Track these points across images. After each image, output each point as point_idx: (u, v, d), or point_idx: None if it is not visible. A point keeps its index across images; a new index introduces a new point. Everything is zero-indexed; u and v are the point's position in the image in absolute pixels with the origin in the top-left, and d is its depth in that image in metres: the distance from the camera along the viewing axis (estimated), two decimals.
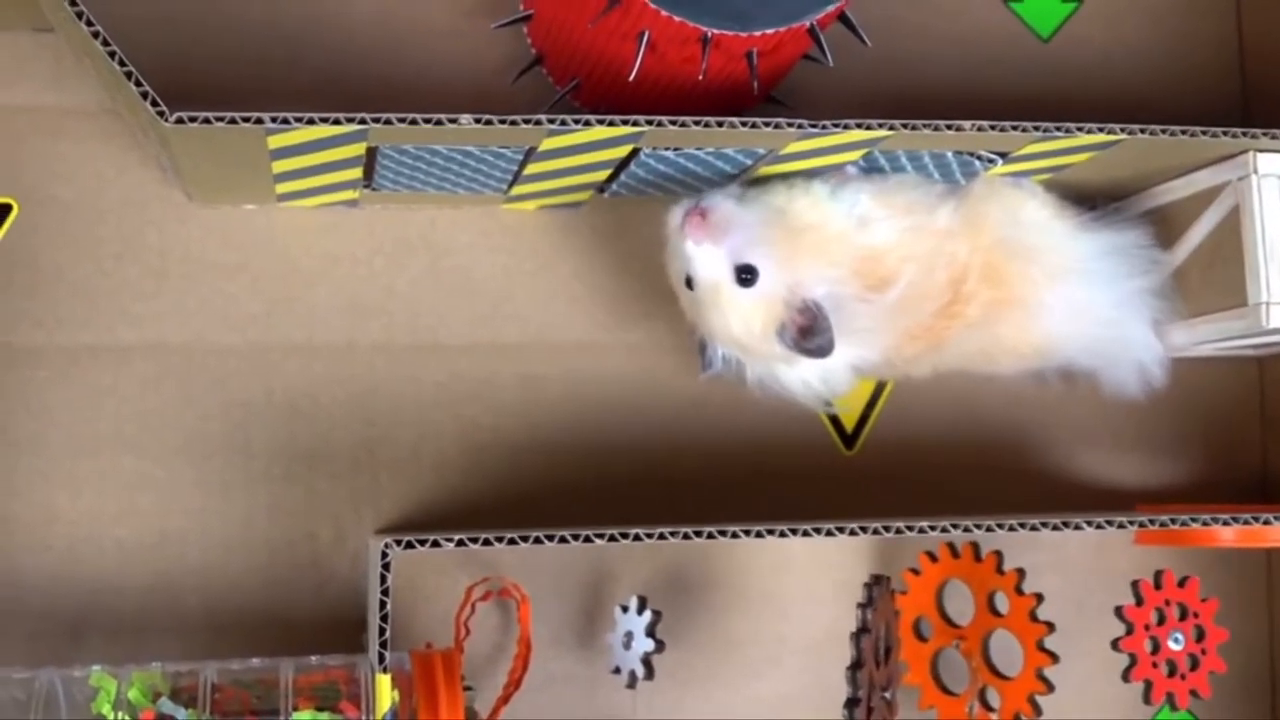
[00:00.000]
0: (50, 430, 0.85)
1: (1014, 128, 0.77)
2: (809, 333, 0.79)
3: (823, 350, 0.79)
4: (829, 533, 0.76)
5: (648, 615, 0.82)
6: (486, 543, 0.72)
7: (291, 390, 0.87)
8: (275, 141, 0.74)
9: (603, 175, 0.83)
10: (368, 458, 0.88)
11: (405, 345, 0.89)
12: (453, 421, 0.89)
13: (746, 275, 0.79)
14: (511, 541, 0.73)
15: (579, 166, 0.81)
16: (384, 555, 0.72)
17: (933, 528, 0.77)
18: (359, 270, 0.89)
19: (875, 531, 0.76)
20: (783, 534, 0.76)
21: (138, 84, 0.70)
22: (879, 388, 0.94)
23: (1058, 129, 0.78)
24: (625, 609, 0.84)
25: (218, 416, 0.87)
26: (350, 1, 0.90)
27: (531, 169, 0.81)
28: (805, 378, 0.83)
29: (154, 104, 0.70)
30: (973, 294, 0.82)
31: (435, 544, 0.72)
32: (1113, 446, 0.95)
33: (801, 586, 0.92)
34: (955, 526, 0.78)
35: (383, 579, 0.71)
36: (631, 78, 0.78)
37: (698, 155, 0.79)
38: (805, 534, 0.76)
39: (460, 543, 0.72)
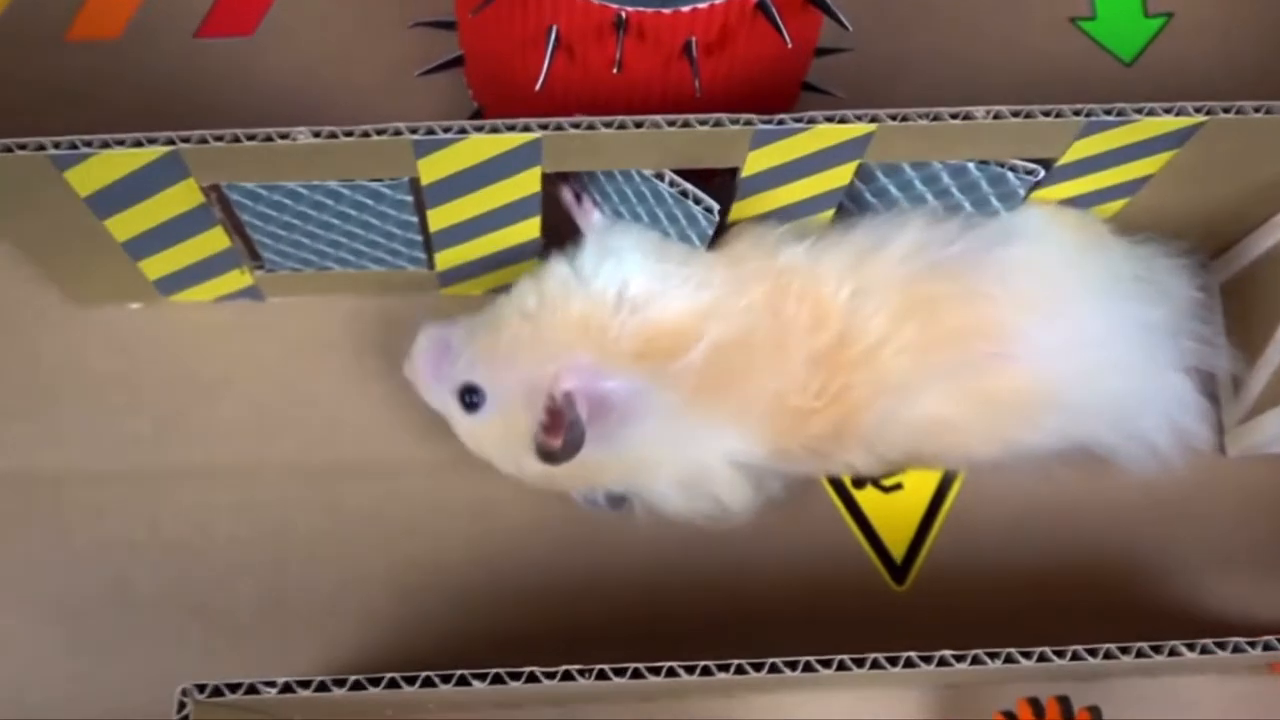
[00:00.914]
0: None
1: (1045, 112, 0.58)
2: (552, 432, 0.62)
3: (573, 445, 0.61)
4: (875, 664, 0.56)
5: None
6: (321, 688, 0.53)
7: (183, 524, 0.71)
8: (81, 185, 0.59)
9: (530, 229, 0.66)
10: (275, 609, 0.70)
11: (324, 466, 0.72)
12: (383, 560, 0.71)
13: (470, 398, 0.65)
14: (353, 686, 0.53)
15: (492, 215, 0.64)
16: (181, 706, 0.53)
17: (1024, 655, 0.57)
18: (268, 377, 0.72)
19: (942, 662, 0.56)
20: (809, 668, 0.56)
21: None
22: (931, 507, 0.72)
23: (1107, 111, 0.58)
24: None
25: (93, 560, 0.70)
26: (264, 58, 0.76)
27: (439, 221, 0.64)
28: (672, 491, 0.65)
29: None
30: (885, 338, 0.63)
31: (252, 689, 0.53)
32: (1242, 567, 0.72)
33: None
34: (1053, 655, 0.58)
35: None
36: (538, 86, 0.61)
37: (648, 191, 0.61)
38: (845, 666, 0.56)
39: (286, 688, 0.53)
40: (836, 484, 0.72)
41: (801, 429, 0.64)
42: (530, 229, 0.66)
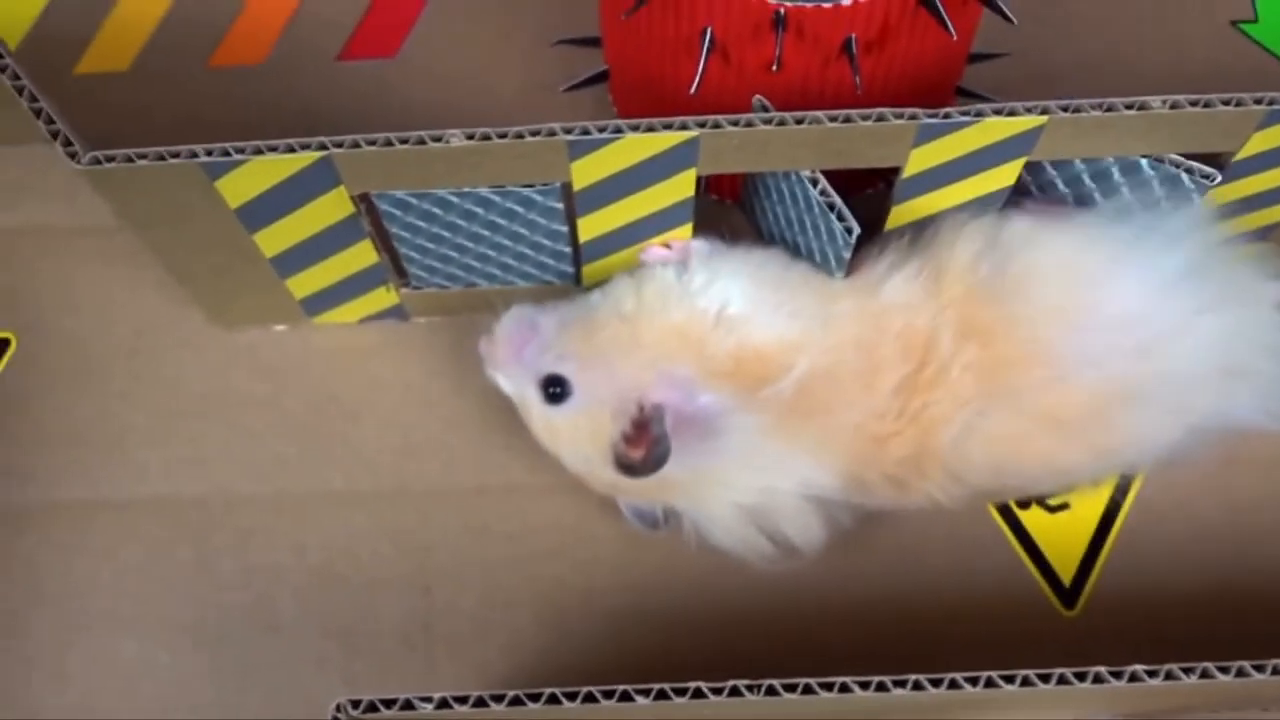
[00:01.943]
0: (36, 607, 0.69)
1: (1225, 101, 0.55)
2: (636, 443, 0.60)
3: (656, 461, 0.59)
4: (1061, 679, 0.53)
5: None
6: (479, 704, 0.51)
7: (329, 549, 0.69)
8: (231, 194, 0.58)
9: (682, 237, 0.64)
10: (421, 633, 0.68)
11: (469, 489, 0.70)
12: (529, 584, 0.69)
13: (554, 389, 0.63)
14: (513, 702, 0.51)
15: (644, 222, 0.62)
16: None
17: (1222, 670, 0.53)
18: (412, 399, 0.71)
19: (1133, 678, 0.53)
20: (990, 683, 0.53)
21: (49, 122, 0.57)
22: (1101, 528, 0.69)
23: None
24: None
25: (237, 585, 0.69)
26: (407, 79, 0.75)
27: (589, 230, 0.63)
28: (734, 519, 0.62)
29: (66, 144, 0.56)
30: (953, 355, 0.60)
31: (408, 705, 0.52)
32: None
33: None
34: (1252, 670, 0.53)
35: None
36: (694, 90, 0.59)
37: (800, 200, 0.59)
38: (1030, 682, 0.53)
39: (443, 703, 0.52)
40: (1001, 506, 0.69)
41: (881, 455, 0.62)
42: (681, 236, 0.64)
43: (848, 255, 0.60)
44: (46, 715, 0.67)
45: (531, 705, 0.51)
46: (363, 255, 0.65)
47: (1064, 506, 0.70)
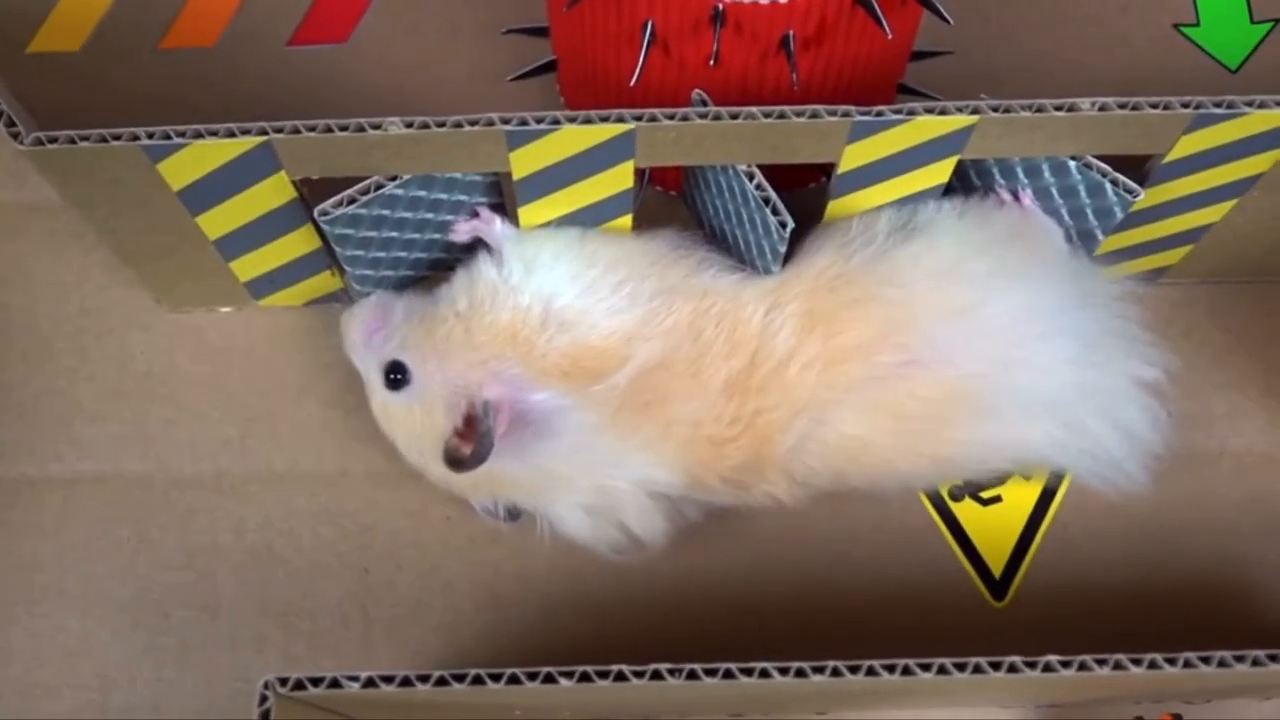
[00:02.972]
0: None
1: (1153, 105, 0.56)
2: (466, 439, 0.61)
3: (458, 457, 0.60)
4: (977, 669, 0.54)
5: None
6: (405, 683, 0.52)
7: (268, 529, 0.70)
8: (173, 177, 0.58)
9: (621, 227, 0.65)
10: (359, 615, 0.69)
11: (410, 473, 0.69)
12: (468, 568, 0.70)
13: (395, 376, 0.64)
14: (438, 682, 0.52)
15: (584, 212, 0.63)
16: (263, 699, 0.52)
17: (1134, 661, 0.54)
18: (356, 382, 0.71)
19: (1048, 668, 0.54)
20: (907, 671, 0.54)
21: None
22: (1031, 521, 0.70)
23: (1216, 104, 0.56)
24: None
25: (178, 564, 0.70)
26: (357, 65, 0.76)
27: (529, 219, 0.63)
28: (578, 513, 0.64)
29: (9, 124, 0.56)
30: (791, 353, 0.61)
31: (335, 684, 0.52)
32: None
33: None
34: (1164, 663, 0.54)
35: None
36: (633, 81, 0.60)
37: None
38: (946, 670, 0.54)
39: (370, 683, 0.52)
40: (933, 496, 0.71)
41: (719, 459, 0.63)
42: (621, 227, 0.65)
43: (783, 249, 0.60)
44: None
45: (457, 685, 0.52)
46: (306, 240, 0.65)
47: (996, 499, 0.71)
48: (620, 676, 0.53)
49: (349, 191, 0.60)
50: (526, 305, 0.62)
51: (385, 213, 0.61)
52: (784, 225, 0.59)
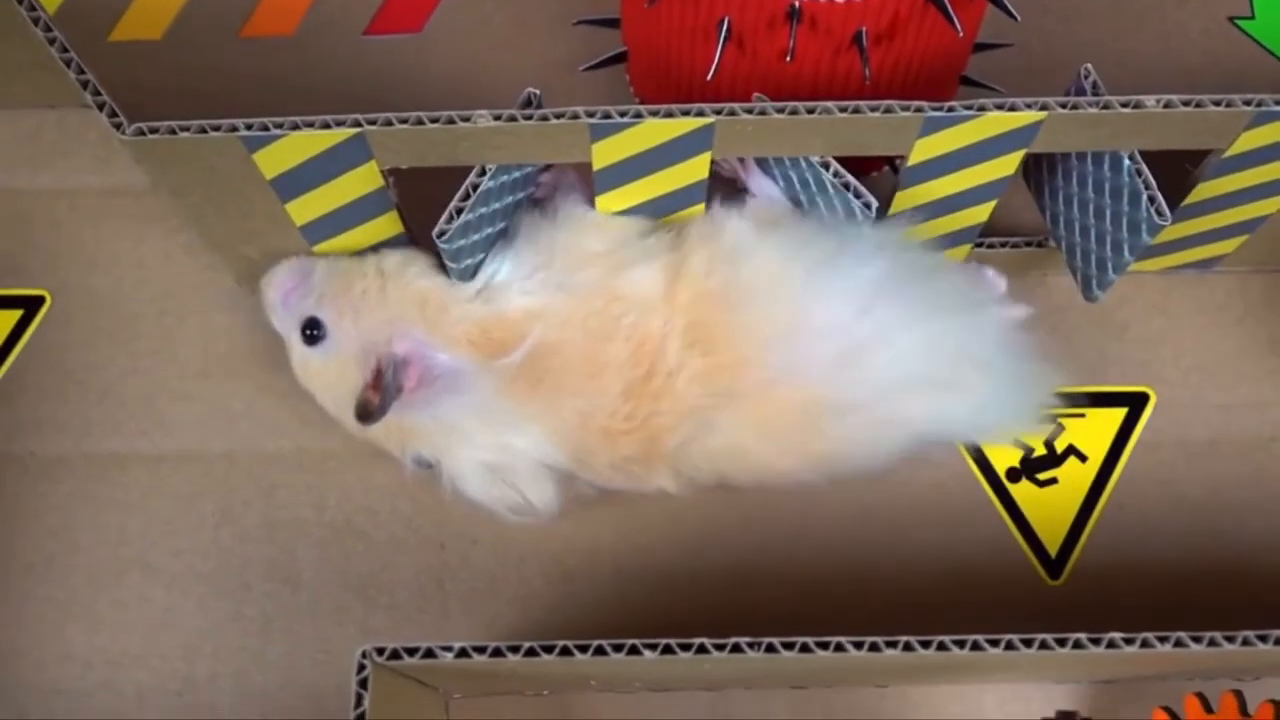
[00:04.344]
0: (69, 553, 0.72)
1: (1215, 102, 0.58)
2: (375, 389, 0.64)
3: (368, 409, 0.64)
4: (1043, 644, 0.56)
5: None
6: (495, 653, 0.55)
7: (348, 506, 0.73)
8: (268, 166, 0.61)
9: (694, 215, 0.67)
10: (435, 588, 0.72)
11: None
12: (539, 543, 0.72)
13: (311, 331, 0.67)
14: (530, 653, 0.55)
15: (658, 201, 0.65)
16: (361, 668, 0.55)
17: (1195, 639, 0.56)
18: None
19: (1111, 644, 0.56)
20: (976, 646, 0.56)
21: (95, 93, 0.59)
22: (1089, 498, 0.72)
23: (1278, 101, 0.58)
24: None
25: (260, 538, 0.72)
26: (431, 53, 0.78)
27: (606, 207, 0.66)
28: (479, 470, 0.66)
29: (111, 114, 0.59)
30: (679, 365, 0.63)
31: (430, 653, 0.55)
32: None
33: None
34: (1223, 640, 0.56)
35: (358, 700, 0.54)
36: (710, 76, 0.62)
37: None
38: (1013, 646, 0.56)
39: (463, 653, 0.55)
40: (991, 477, 0.73)
41: (609, 449, 0.65)
42: (694, 214, 0.67)
43: (865, 226, 0.63)
44: (78, 655, 0.71)
45: (545, 656, 0.55)
46: (388, 225, 0.67)
47: (1053, 481, 0.73)
48: (701, 649, 0.55)
49: (453, 204, 0.61)
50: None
51: (483, 209, 0.63)
52: (869, 206, 0.61)
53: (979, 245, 0.71)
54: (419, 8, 0.79)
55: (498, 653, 0.55)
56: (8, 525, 0.72)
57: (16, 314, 0.75)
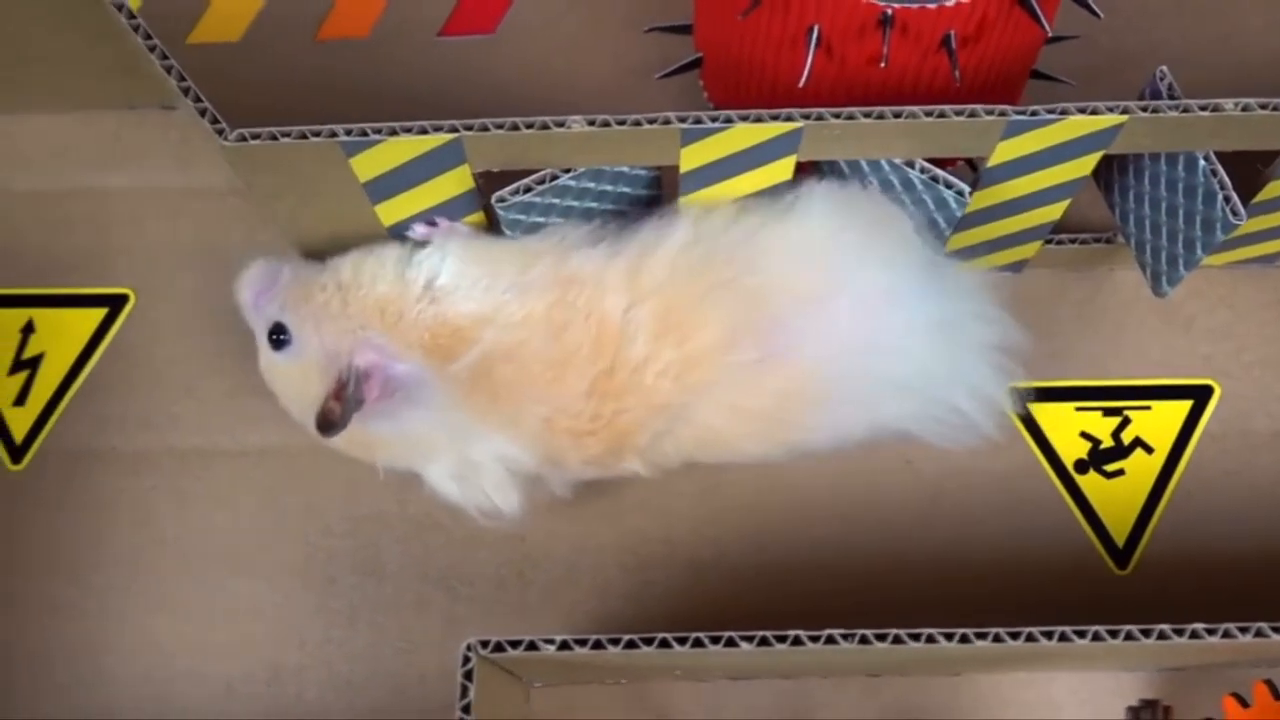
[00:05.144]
0: (155, 547, 0.74)
1: None
2: (338, 399, 0.65)
3: (330, 420, 0.64)
4: (1096, 636, 0.58)
5: None
6: (597, 646, 0.56)
7: (429, 500, 0.73)
8: (362, 169, 0.62)
9: None
10: (515, 579, 0.73)
11: None
12: (616, 535, 0.74)
13: (277, 336, 0.68)
14: (630, 645, 0.56)
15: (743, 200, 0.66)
16: (465, 660, 0.56)
17: (1242, 629, 0.57)
18: None
19: (1161, 636, 0.57)
20: (1064, 637, 0.58)
21: (196, 99, 0.61)
22: (1155, 489, 0.74)
23: None
24: None
25: (344, 532, 0.74)
26: (504, 56, 0.79)
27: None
28: (446, 478, 0.67)
29: (213, 121, 0.60)
30: (646, 360, 0.64)
31: (532, 646, 0.56)
32: None
33: None
34: (1271, 632, 0.57)
35: (464, 691, 0.56)
36: (802, 83, 0.63)
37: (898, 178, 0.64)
38: (1066, 638, 0.58)
39: (564, 645, 0.56)
40: (1059, 469, 0.74)
41: (577, 449, 0.66)
42: None
43: (960, 214, 0.64)
44: (167, 647, 0.72)
45: (646, 649, 0.56)
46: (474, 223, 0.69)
47: (1119, 473, 0.74)
48: (797, 641, 0.56)
49: (526, 181, 0.63)
50: (411, 278, 0.66)
51: (555, 201, 0.65)
52: (961, 194, 0.62)
53: (1048, 242, 0.73)
54: (492, 9, 0.80)
55: (599, 645, 0.56)
56: (95, 519, 0.74)
57: (101, 312, 0.77)
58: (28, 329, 0.76)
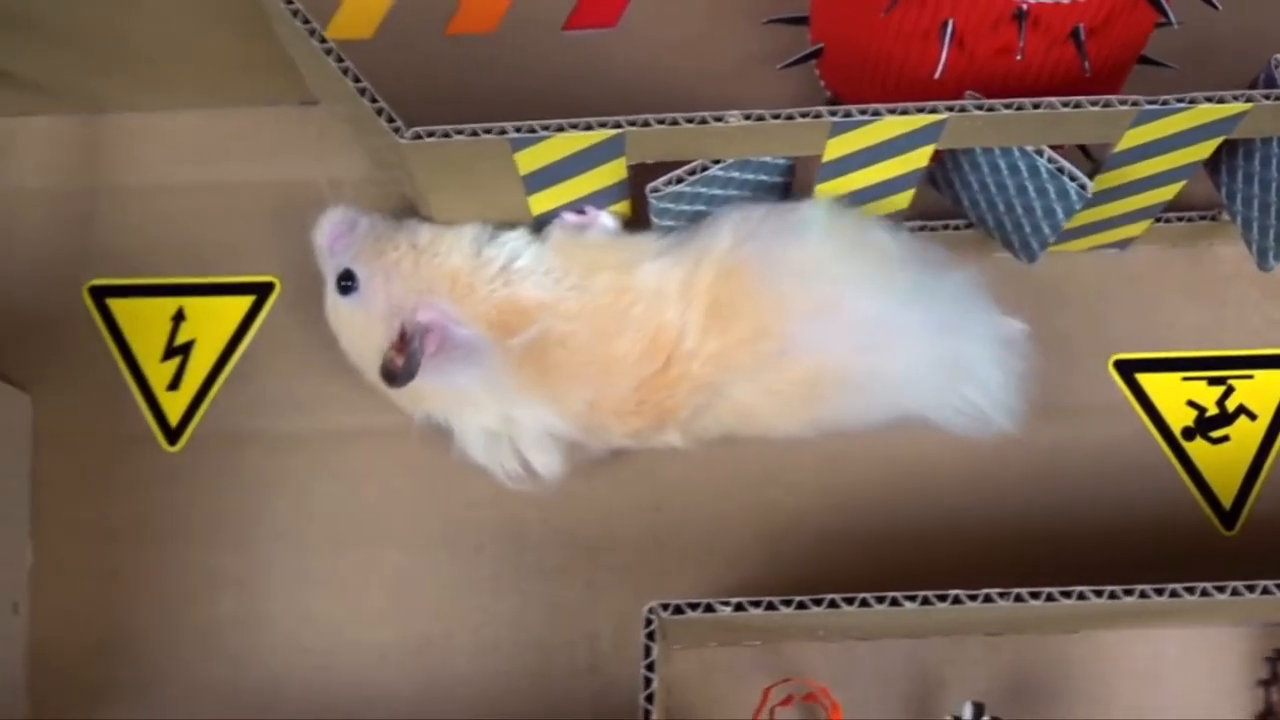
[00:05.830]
0: (309, 522, 0.78)
1: None
2: (400, 351, 0.70)
3: (393, 370, 0.69)
4: (1204, 592, 0.63)
5: None
6: (770, 608, 0.60)
7: (568, 470, 0.78)
8: (525, 163, 0.66)
9: (903, 200, 0.72)
10: (654, 547, 0.77)
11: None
12: (747, 505, 0.78)
13: (345, 282, 0.73)
14: (800, 605, 0.60)
15: (874, 188, 0.70)
16: (648, 622, 0.60)
17: None
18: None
19: (1265, 591, 0.61)
20: (1158, 593, 0.62)
21: (372, 100, 0.64)
22: (1259, 453, 0.78)
23: None
24: (958, 719, 0.69)
25: (487, 504, 0.77)
26: (625, 48, 0.82)
27: (821, 195, 0.71)
28: (481, 436, 0.73)
29: (389, 120, 0.64)
30: (694, 351, 0.69)
31: (709, 608, 0.60)
32: None
33: (1178, 695, 0.75)
34: None
35: (647, 651, 0.60)
36: (938, 74, 0.67)
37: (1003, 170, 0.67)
38: (1177, 595, 0.62)
39: (739, 607, 0.60)
40: (1167, 435, 0.78)
41: (618, 425, 0.72)
42: (903, 200, 0.72)
43: (1079, 208, 0.68)
44: (322, 617, 0.76)
45: (815, 609, 0.60)
46: (619, 210, 0.73)
47: (1225, 439, 0.78)
48: (926, 600, 0.61)
49: (678, 172, 0.67)
50: (487, 258, 0.71)
51: (702, 190, 0.69)
52: (1083, 187, 0.66)
53: (1156, 221, 0.76)
54: (614, 2, 0.84)
55: (771, 606, 0.60)
56: (251, 498, 0.78)
57: (249, 299, 0.80)
58: (178, 317, 0.80)
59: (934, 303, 0.70)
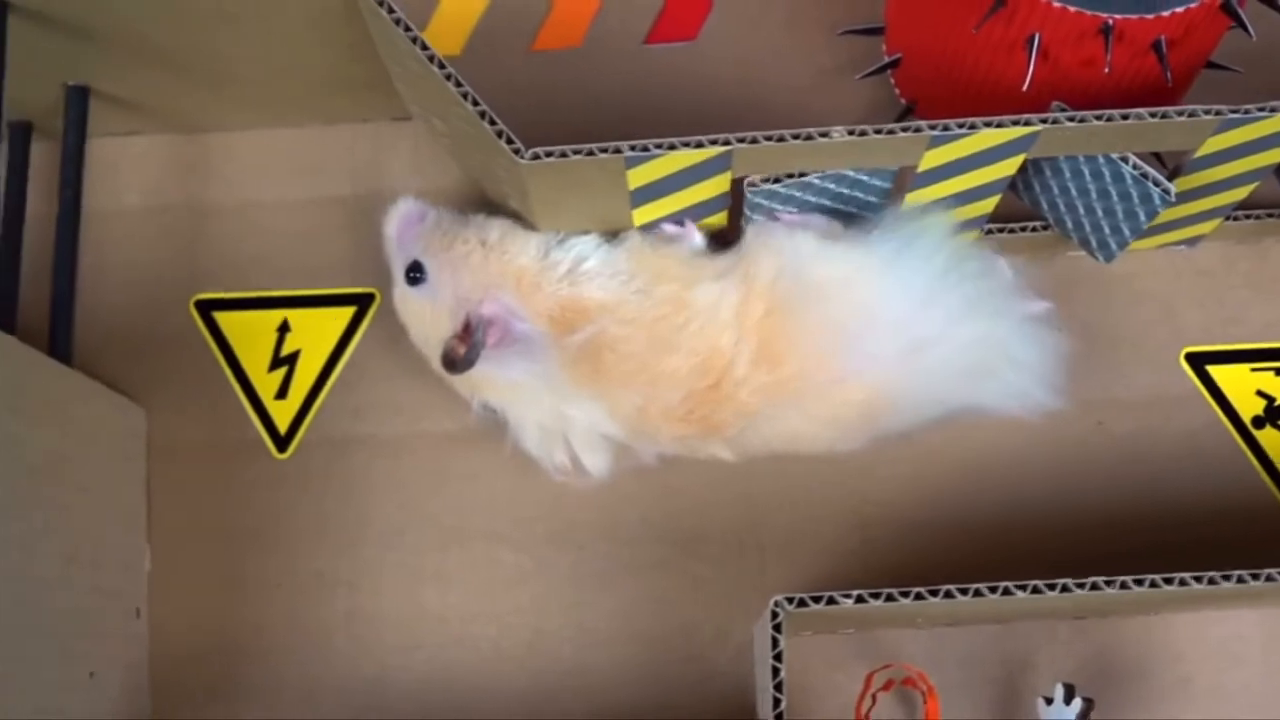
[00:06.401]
0: (418, 523, 0.81)
1: None
2: (463, 341, 0.73)
3: (454, 359, 0.73)
4: (1270, 578, 0.66)
5: (1077, 705, 0.71)
6: (890, 598, 0.64)
7: (667, 469, 0.81)
8: (635, 179, 0.69)
9: (987, 206, 0.75)
10: (750, 540, 0.80)
11: None
12: (838, 498, 0.81)
13: (413, 274, 0.76)
14: (919, 596, 0.64)
15: (962, 194, 0.73)
16: (774, 615, 0.63)
17: None
18: None
19: None
20: (1227, 579, 0.66)
21: (491, 122, 0.67)
22: None
23: None
24: (1049, 700, 0.73)
25: (589, 503, 0.81)
26: (709, 62, 0.86)
27: (911, 202, 0.74)
28: (534, 428, 0.76)
29: (509, 141, 0.67)
30: (743, 379, 0.72)
31: (831, 600, 0.64)
32: None
33: (1258, 677, 0.78)
34: None
35: (774, 643, 0.63)
36: (1025, 86, 0.70)
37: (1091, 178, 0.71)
38: (1246, 580, 0.66)
39: (860, 599, 0.64)
40: (1238, 425, 0.81)
41: (667, 430, 0.75)
42: (988, 205, 0.75)
43: (1160, 210, 0.71)
44: (434, 614, 0.79)
45: (932, 599, 0.63)
46: (716, 221, 0.76)
47: None
48: (1006, 591, 0.65)
49: (780, 173, 0.70)
50: (556, 259, 0.75)
51: (796, 194, 0.72)
52: (1167, 192, 0.69)
53: (1225, 219, 0.80)
54: (693, 16, 0.87)
55: (890, 597, 0.64)
56: (361, 500, 0.81)
57: (351, 310, 0.83)
58: (283, 328, 0.83)
59: (958, 292, 0.73)
